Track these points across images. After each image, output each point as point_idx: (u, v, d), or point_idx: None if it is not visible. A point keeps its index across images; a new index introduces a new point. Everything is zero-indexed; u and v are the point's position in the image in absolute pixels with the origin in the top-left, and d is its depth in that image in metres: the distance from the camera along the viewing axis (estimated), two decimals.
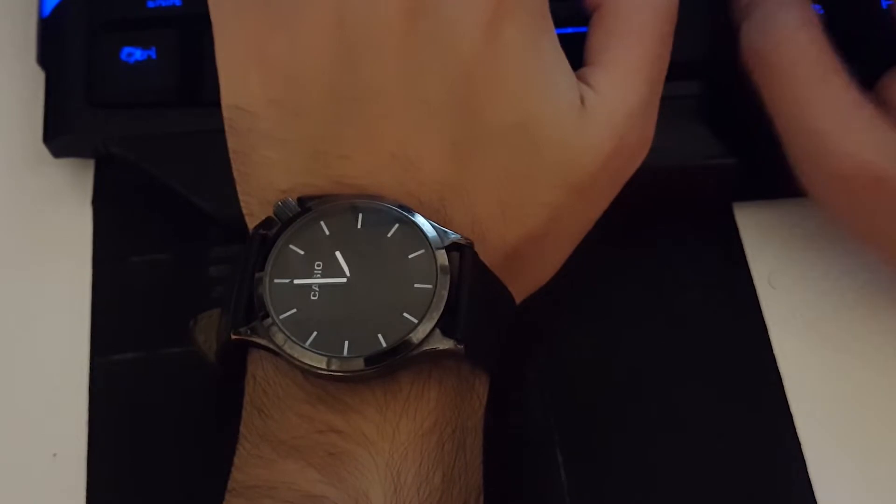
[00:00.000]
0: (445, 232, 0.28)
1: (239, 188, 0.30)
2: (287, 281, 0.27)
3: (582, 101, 0.31)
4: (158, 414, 0.35)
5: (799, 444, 0.36)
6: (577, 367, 0.37)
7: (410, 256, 0.27)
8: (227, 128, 0.30)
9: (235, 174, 0.30)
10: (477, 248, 0.28)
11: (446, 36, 0.29)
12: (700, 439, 0.36)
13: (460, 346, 0.27)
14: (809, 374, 0.37)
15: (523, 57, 0.30)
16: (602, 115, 0.31)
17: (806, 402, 0.36)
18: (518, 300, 0.31)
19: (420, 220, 0.28)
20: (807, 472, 0.35)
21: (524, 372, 0.36)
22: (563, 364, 0.37)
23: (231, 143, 0.30)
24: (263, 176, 0.29)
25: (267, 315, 0.27)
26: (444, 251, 0.27)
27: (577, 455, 0.35)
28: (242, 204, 0.30)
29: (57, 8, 0.38)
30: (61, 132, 0.37)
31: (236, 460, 0.28)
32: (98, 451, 0.35)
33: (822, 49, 0.33)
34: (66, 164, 0.39)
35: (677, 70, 0.33)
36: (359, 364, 0.26)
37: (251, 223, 0.30)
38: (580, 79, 0.31)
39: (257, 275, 0.28)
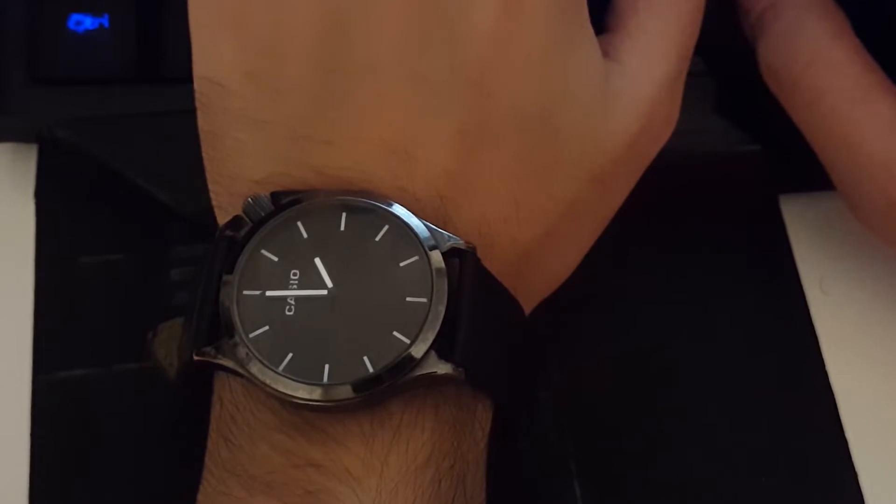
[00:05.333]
0: (444, 235, 0.27)
1: (208, 176, 0.30)
2: (258, 293, 0.27)
3: (606, 77, 0.31)
4: (112, 441, 0.35)
5: (855, 472, 0.36)
6: (598, 384, 0.37)
7: (402, 264, 0.27)
8: (197, 103, 0.30)
9: (205, 158, 0.30)
10: (483, 253, 0.28)
11: (457, 3, 0.28)
12: (743, 469, 0.36)
13: (459, 371, 0.26)
14: (865, 391, 0.37)
15: (547, 32, 0.29)
16: (627, 93, 0.31)
17: (861, 422, 0.36)
18: (528, 308, 0.31)
19: (414, 221, 0.27)
20: (861, 495, 0.35)
21: (535, 390, 0.36)
22: (581, 381, 0.36)
23: (201, 121, 0.30)
24: (235, 162, 0.29)
25: (234, 333, 0.27)
26: (441, 258, 0.27)
27: (597, 488, 0.35)
28: (211, 194, 0.30)
29: None
30: None
31: (200, 497, 0.28)
32: (41, 483, 0.34)
33: (860, 64, 0.33)
34: (4, 149, 0.39)
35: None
36: (340, 392, 0.26)
37: (221, 218, 0.29)
38: (602, 46, 0.31)
39: (224, 285, 0.27)
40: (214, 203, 0.30)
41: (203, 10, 0.30)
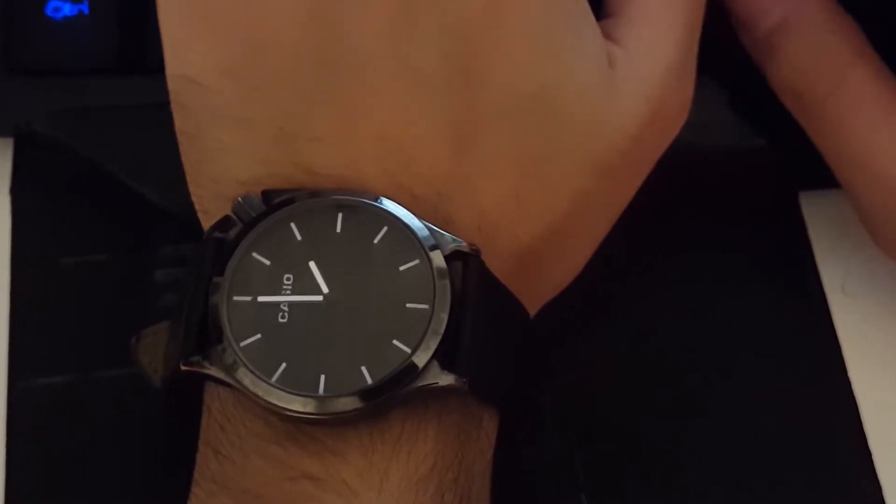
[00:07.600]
0: (446, 237, 0.27)
1: (189, 180, 0.30)
2: (249, 299, 0.27)
3: (610, 62, 0.30)
4: (93, 451, 0.35)
5: (878, 480, 0.36)
6: (607, 391, 0.37)
7: (402, 268, 0.27)
8: (173, 103, 0.30)
9: (184, 162, 0.30)
10: (483, 252, 0.28)
11: None
12: (760, 477, 0.36)
13: (463, 381, 0.26)
14: (889, 398, 0.37)
15: (541, 13, 0.29)
16: (634, 78, 0.31)
17: (884, 429, 0.36)
18: (533, 310, 0.31)
19: (415, 222, 0.27)
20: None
21: (540, 398, 0.36)
22: (588, 388, 0.36)
23: (178, 122, 0.30)
24: (217, 165, 0.29)
25: (224, 341, 0.27)
26: (444, 262, 0.27)
27: (605, 497, 0.35)
28: (194, 199, 0.30)
29: None
30: None
31: None
32: (17, 498, 0.34)
33: (882, 85, 0.33)
34: None
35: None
36: (337, 405, 0.26)
37: (206, 224, 0.29)
38: (604, 32, 0.31)
39: (213, 288, 0.27)
40: (198, 207, 0.30)
41: (173, 2, 0.29)
